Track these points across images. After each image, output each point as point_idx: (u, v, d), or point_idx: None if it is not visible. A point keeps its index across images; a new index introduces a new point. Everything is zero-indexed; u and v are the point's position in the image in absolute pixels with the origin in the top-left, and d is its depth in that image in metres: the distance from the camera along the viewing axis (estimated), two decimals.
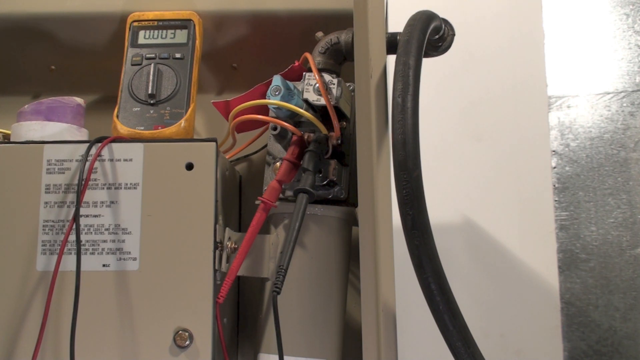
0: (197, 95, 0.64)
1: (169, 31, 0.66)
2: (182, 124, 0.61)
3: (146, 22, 0.66)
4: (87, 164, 0.55)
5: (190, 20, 0.66)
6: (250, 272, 0.60)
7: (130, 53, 0.65)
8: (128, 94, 0.63)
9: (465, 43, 0.98)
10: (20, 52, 0.72)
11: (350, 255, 0.63)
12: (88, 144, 0.56)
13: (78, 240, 0.54)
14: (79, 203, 0.54)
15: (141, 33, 0.66)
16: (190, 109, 0.62)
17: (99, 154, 0.56)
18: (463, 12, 1.02)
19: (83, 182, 0.55)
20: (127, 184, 0.56)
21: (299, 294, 0.59)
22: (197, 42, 0.65)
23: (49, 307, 0.53)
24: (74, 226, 0.54)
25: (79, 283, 0.53)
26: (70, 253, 0.55)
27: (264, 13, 0.69)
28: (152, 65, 0.63)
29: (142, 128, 0.61)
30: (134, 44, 0.65)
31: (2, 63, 0.73)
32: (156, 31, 0.66)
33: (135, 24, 0.66)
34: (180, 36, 0.65)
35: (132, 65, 0.64)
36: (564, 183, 0.99)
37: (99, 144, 0.56)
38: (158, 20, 0.66)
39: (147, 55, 0.64)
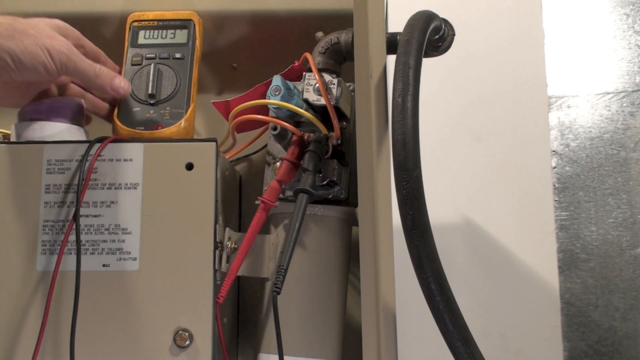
0: (197, 95, 0.64)
1: (169, 31, 0.66)
2: (182, 124, 0.61)
3: (146, 22, 0.66)
4: (87, 164, 0.55)
5: (190, 20, 0.66)
6: (250, 272, 0.60)
7: (130, 53, 0.65)
8: (129, 94, 0.62)
9: (466, 43, 0.98)
10: None
11: (350, 255, 0.63)
12: (88, 144, 0.56)
13: (78, 240, 0.54)
14: (78, 203, 0.54)
15: (141, 33, 0.66)
16: (190, 109, 0.62)
17: (99, 154, 0.56)
18: (463, 12, 1.02)
19: (83, 182, 0.55)
20: (127, 184, 0.56)
21: (299, 294, 0.59)
22: (197, 42, 0.65)
23: (49, 307, 0.53)
24: (74, 226, 0.54)
25: (78, 283, 0.53)
26: (71, 253, 0.55)
27: (264, 13, 0.69)
28: (152, 65, 0.63)
29: (142, 128, 0.61)
30: (134, 44, 0.65)
31: None
32: (156, 31, 0.66)
33: (136, 24, 0.66)
34: (181, 36, 0.65)
35: (132, 65, 0.64)
36: (564, 183, 0.99)
37: (99, 144, 0.56)
38: (158, 20, 0.66)
39: (147, 55, 0.64)
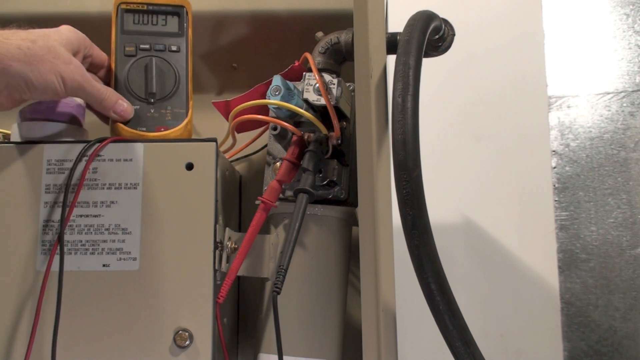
0: (197, 95, 0.63)
1: (160, 17, 0.62)
2: (187, 126, 0.60)
3: (135, 5, 0.62)
4: (82, 164, 0.55)
5: (182, 7, 0.63)
6: (250, 272, 0.60)
7: (120, 40, 0.61)
8: (125, 89, 0.60)
9: (466, 43, 0.98)
10: None
11: (350, 255, 0.63)
12: (83, 145, 0.56)
13: (62, 242, 0.54)
14: (65, 204, 0.54)
15: (130, 18, 0.62)
16: (190, 110, 0.61)
17: (95, 155, 0.56)
18: (463, 12, 1.02)
19: (77, 183, 0.55)
20: (127, 184, 0.56)
21: (299, 294, 0.59)
22: (190, 31, 0.62)
23: (41, 306, 0.53)
24: (75, 226, 0.55)
25: (61, 285, 0.53)
26: (70, 253, 0.55)
27: (264, 13, 0.69)
28: (151, 60, 0.61)
29: (144, 129, 0.60)
30: (124, 30, 0.62)
31: None
32: (146, 16, 0.62)
33: (123, 6, 0.62)
34: (172, 24, 0.62)
35: (126, 55, 0.61)
36: (564, 183, 0.99)
37: (96, 145, 0.56)
38: (147, 4, 0.62)
39: (141, 46, 0.61)
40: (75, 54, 0.57)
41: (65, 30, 0.57)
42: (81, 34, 0.58)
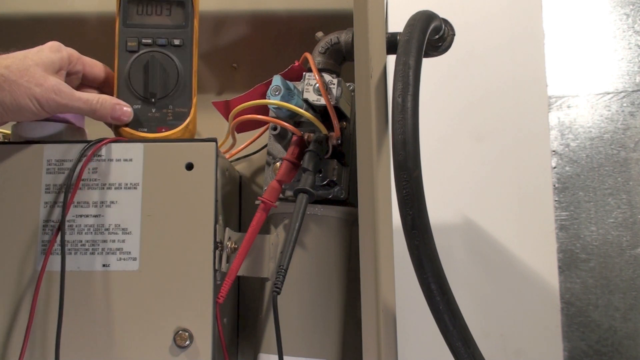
0: (197, 95, 0.62)
1: (164, 7, 0.60)
2: (188, 126, 0.60)
3: None
4: (80, 164, 0.55)
5: None
6: (250, 272, 0.60)
7: (123, 35, 0.60)
8: (126, 87, 0.59)
9: (466, 43, 0.98)
10: None
11: (350, 255, 0.63)
12: (83, 145, 0.56)
13: (63, 240, 0.54)
14: (65, 205, 0.54)
15: (133, 9, 0.60)
16: (193, 108, 0.60)
17: (93, 155, 0.56)
18: (463, 12, 1.02)
19: (74, 184, 0.55)
20: (127, 184, 0.56)
21: (299, 294, 0.59)
22: (195, 22, 0.60)
23: (35, 305, 0.53)
24: (75, 226, 0.55)
25: (63, 284, 0.53)
26: (70, 253, 0.55)
27: (264, 13, 0.69)
28: (153, 58, 0.59)
29: (145, 130, 0.59)
30: (126, 22, 0.60)
31: None
32: (149, 7, 0.60)
33: None
34: (177, 15, 0.60)
35: (128, 51, 0.60)
36: (564, 183, 0.99)
37: (95, 145, 0.56)
38: None
39: (144, 41, 0.60)
40: (56, 72, 0.56)
41: (48, 49, 0.56)
42: (66, 50, 0.57)
